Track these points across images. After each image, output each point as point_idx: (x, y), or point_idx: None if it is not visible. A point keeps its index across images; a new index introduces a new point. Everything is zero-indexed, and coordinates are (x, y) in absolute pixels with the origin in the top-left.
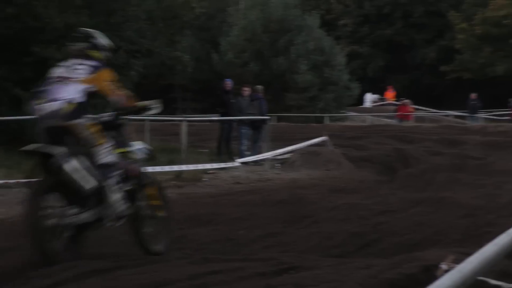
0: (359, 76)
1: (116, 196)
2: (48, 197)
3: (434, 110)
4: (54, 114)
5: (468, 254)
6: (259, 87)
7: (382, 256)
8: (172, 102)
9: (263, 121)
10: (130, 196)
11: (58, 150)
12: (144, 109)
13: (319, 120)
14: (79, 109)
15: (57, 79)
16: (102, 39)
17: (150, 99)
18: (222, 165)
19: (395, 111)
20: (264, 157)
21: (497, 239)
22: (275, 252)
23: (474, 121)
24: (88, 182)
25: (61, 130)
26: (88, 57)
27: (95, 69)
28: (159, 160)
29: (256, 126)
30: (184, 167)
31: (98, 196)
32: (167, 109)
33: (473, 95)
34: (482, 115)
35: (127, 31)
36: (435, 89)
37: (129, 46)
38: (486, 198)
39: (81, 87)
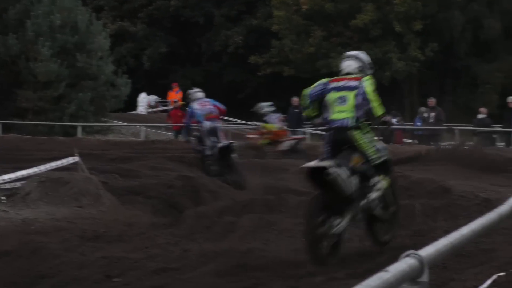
0: (131, 68)
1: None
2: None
3: (240, 120)
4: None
5: None
6: None
7: None
8: None
9: None
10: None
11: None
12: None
13: (69, 132)
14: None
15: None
16: None
17: None
18: None
19: (169, 118)
20: None
21: None
22: None
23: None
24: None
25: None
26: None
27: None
28: None
29: None
30: None
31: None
32: None
33: (295, 100)
34: (308, 129)
35: None
36: (242, 89)
37: None
38: None
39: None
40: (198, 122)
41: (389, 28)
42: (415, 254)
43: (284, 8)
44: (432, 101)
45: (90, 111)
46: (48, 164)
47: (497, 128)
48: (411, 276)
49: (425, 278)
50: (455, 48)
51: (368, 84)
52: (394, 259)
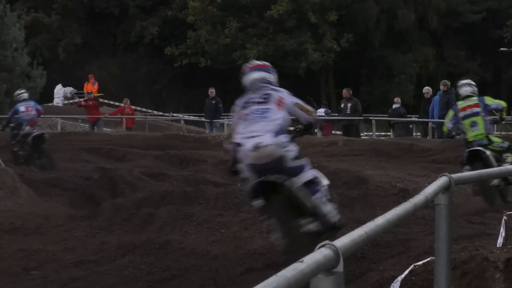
0: (46, 59)
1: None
2: None
3: (157, 112)
4: None
5: None
6: None
7: None
8: None
9: None
10: None
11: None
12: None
13: None
14: None
15: None
16: None
17: None
18: None
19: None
20: None
21: None
22: None
23: (214, 129)
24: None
25: None
26: None
27: None
28: None
29: None
30: None
31: None
32: None
33: (212, 92)
34: (226, 120)
35: None
36: (158, 80)
37: None
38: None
39: None
40: (20, 124)
41: (304, 19)
42: (330, 244)
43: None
44: (346, 92)
45: (5, 103)
46: None
47: (414, 118)
48: (326, 267)
49: (340, 268)
50: (370, 38)
51: (497, 100)
52: (311, 250)
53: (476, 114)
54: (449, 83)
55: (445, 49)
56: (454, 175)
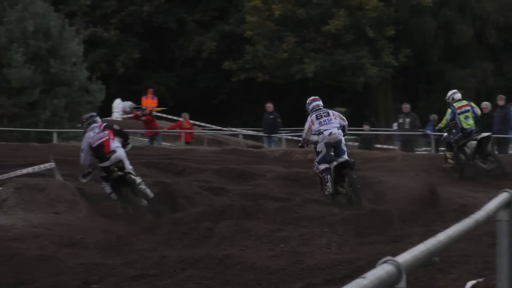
0: (104, 74)
1: None
2: None
3: (215, 127)
4: None
5: None
6: None
7: None
8: None
9: None
10: None
11: None
12: None
13: (44, 138)
14: None
15: None
16: None
17: None
18: None
19: (145, 126)
20: None
21: None
22: None
23: (272, 144)
24: None
25: None
26: None
27: None
28: None
29: None
30: None
31: None
32: None
33: (269, 106)
34: (284, 135)
35: None
36: (215, 95)
37: None
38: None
39: None
40: None
41: (361, 33)
42: (393, 260)
43: (256, 13)
44: (406, 107)
45: (65, 117)
46: (24, 170)
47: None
48: (389, 283)
49: (403, 284)
50: (428, 53)
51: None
52: (371, 265)
53: (467, 111)
54: (504, 98)
55: (504, 64)
56: None
